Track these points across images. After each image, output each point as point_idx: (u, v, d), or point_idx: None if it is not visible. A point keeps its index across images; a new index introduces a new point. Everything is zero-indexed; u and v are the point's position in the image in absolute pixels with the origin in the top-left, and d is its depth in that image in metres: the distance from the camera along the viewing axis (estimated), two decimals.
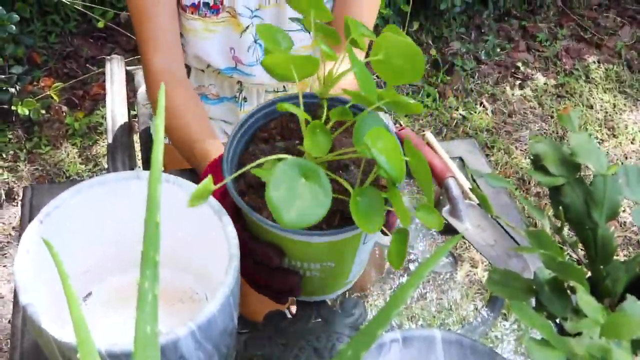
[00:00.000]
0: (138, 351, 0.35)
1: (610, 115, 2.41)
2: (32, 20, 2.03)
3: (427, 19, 2.72)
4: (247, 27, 1.02)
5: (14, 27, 1.69)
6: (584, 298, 0.43)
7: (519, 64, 2.62)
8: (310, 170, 0.51)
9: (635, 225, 1.89)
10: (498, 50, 2.68)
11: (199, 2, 0.98)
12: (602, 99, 2.48)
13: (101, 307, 0.72)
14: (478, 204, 0.93)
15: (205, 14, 1.00)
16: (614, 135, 2.32)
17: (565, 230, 0.56)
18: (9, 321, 1.52)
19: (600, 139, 2.30)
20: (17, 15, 1.69)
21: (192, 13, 0.99)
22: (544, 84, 2.55)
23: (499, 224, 0.88)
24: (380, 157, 0.51)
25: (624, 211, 2.00)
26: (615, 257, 0.56)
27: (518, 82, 2.57)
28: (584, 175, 0.57)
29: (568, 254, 0.59)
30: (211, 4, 0.99)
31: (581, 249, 0.56)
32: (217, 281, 0.57)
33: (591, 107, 2.44)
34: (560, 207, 0.54)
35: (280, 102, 0.61)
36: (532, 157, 0.57)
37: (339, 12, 1.02)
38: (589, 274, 0.57)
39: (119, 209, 0.66)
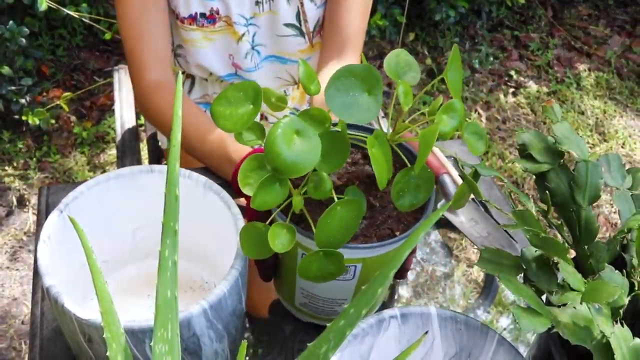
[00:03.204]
0: (159, 313, 0.39)
1: (601, 120, 2.47)
2: (40, 34, 2.08)
3: (423, 30, 2.78)
4: (244, 35, 1.06)
5: (24, 40, 1.74)
6: (566, 269, 0.48)
7: (512, 73, 2.68)
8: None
9: None
10: (491, 59, 2.74)
11: (196, 13, 1.02)
12: (593, 106, 2.53)
13: (115, 297, 0.76)
14: (472, 199, 0.97)
15: (203, 24, 1.04)
16: (605, 140, 2.38)
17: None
18: (22, 322, 1.56)
19: (592, 144, 2.35)
20: (26, 29, 1.74)
21: (189, 24, 1.03)
22: (537, 91, 2.60)
23: (491, 217, 0.93)
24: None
25: (615, 212, 2.05)
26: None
27: (511, 89, 2.63)
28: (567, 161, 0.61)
29: (554, 235, 0.63)
30: (207, 14, 1.03)
31: (566, 232, 0.61)
32: (226, 270, 0.61)
33: (582, 113, 2.50)
34: (547, 192, 0.58)
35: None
36: (518, 147, 0.62)
37: (332, 11, 1.05)
38: (575, 254, 0.61)
39: (134, 201, 0.70)
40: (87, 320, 0.54)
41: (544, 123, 2.44)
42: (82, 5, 1.81)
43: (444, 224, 0.95)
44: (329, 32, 1.06)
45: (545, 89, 2.62)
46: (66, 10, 1.71)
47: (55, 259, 0.63)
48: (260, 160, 0.59)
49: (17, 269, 1.68)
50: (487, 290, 0.88)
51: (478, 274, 1.01)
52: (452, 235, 0.97)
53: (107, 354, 0.44)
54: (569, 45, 2.90)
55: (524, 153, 0.61)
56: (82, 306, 0.68)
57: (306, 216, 0.62)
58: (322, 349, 0.37)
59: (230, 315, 0.59)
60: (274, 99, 0.66)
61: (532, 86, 2.64)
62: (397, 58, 0.64)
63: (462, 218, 0.94)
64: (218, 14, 1.03)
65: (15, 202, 1.85)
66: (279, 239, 0.57)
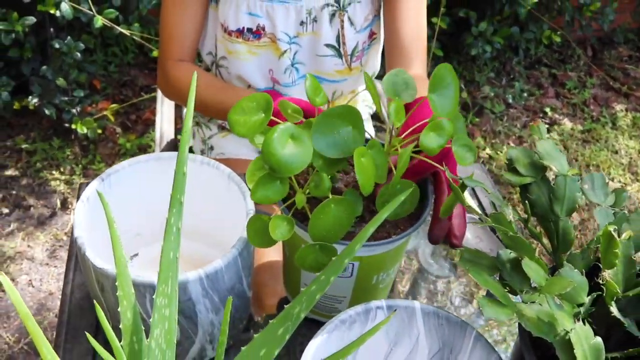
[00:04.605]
0: (162, 271, 0.46)
1: (634, 160, 2.46)
2: (95, 50, 2.24)
3: (460, 64, 2.84)
4: (285, 52, 1.14)
5: (79, 55, 1.88)
6: (529, 265, 0.52)
7: (547, 109, 2.70)
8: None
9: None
10: (527, 95, 2.77)
11: (243, 28, 1.12)
12: (627, 145, 2.53)
13: (142, 268, 0.83)
14: (479, 219, 1.02)
15: (249, 38, 1.13)
16: (637, 180, 2.37)
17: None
18: (56, 315, 1.66)
19: (624, 183, 2.35)
20: (82, 44, 1.88)
21: (236, 37, 1.13)
22: (571, 129, 2.62)
23: (496, 235, 0.97)
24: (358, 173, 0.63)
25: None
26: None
27: (545, 126, 2.65)
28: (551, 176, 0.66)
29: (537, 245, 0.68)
30: (254, 29, 1.12)
31: (546, 241, 0.65)
32: None
33: (616, 153, 2.50)
34: (526, 202, 0.64)
35: None
36: (506, 161, 0.67)
37: (391, 26, 1.12)
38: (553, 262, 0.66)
39: (171, 183, 0.78)
40: (101, 268, 0.62)
41: (576, 160, 2.45)
42: (134, 25, 1.95)
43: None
44: (393, 47, 1.13)
45: (579, 127, 2.63)
46: (119, 29, 1.84)
47: (92, 219, 0.71)
48: None
49: (55, 266, 1.79)
50: None
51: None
52: None
53: (119, 309, 0.51)
54: (606, 85, 2.91)
55: (511, 167, 0.66)
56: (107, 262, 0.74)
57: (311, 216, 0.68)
58: (296, 309, 0.43)
59: (227, 290, 0.66)
60: (290, 110, 0.73)
61: (567, 124, 2.65)
62: (395, 77, 0.70)
63: (467, 235, 0.98)
64: (264, 30, 1.11)
65: (59, 205, 1.97)
66: (279, 229, 0.63)
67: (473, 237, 0.98)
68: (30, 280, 1.76)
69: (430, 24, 2.38)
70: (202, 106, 1.10)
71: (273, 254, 0.94)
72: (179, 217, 0.46)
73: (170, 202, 0.45)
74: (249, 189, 0.65)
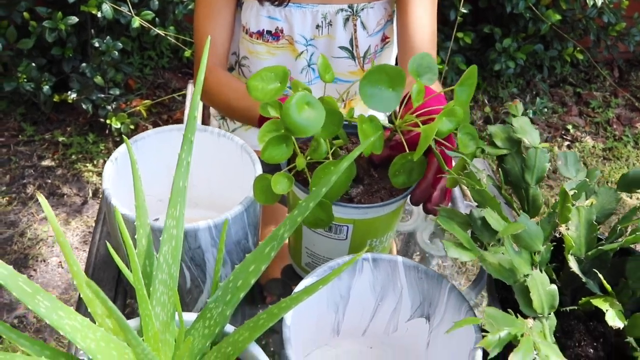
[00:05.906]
0: (173, 196, 0.55)
1: None
2: (132, 53, 2.37)
3: (485, 80, 2.90)
4: (302, 53, 1.23)
5: (116, 54, 2.01)
6: (490, 214, 0.60)
7: (569, 127, 2.74)
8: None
9: None
10: (550, 112, 2.81)
11: (263, 30, 1.22)
12: None
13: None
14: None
15: (268, 39, 1.22)
16: None
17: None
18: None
19: None
20: (120, 44, 2.01)
21: (257, 39, 1.23)
22: (592, 146, 2.65)
23: None
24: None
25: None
26: None
27: (566, 142, 2.69)
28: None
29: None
30: (273, 32, 1.22)
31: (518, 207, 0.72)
32: None
33: None
34: (499, 171, 0.71)
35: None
36: (487, 136, 0.74)
37: (402, 23, 1.17)
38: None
39: (193, 154, 0.86)
40: (124, 214, 0.71)
41: None
42: (170, 28, 2.07)
43: None
44: (405, 52, 1.18)
45: (601, 145, 2.66)
46: (156, 30, 1.97)
47: (119, 178, 0.79)
48: (276, 124, 0.74)
49: (84, 250, 1.90)
50: (478, 280, 0.99)
51: (475, 270, 1.10)
52: None
53: (135, 236, 0.60)
54: (631, 106, 2.93)
55: (491, 141, 0.74)
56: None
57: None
58: (281, 231, 0.51)
59: (234, 244, 0.74)
60: (300, 89, 0.81)
61: (589, 141, 2.69)
62: (421, 60, 0.76)
63: None
64: (282, 32, 1.21)
65: (90, 194, 2.09)
66: (280, 184, 0.71)
67: None
68: (60, 262, 1.87)
69: (447, 36, 2.46)
70: (230, 111, 1.16)
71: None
72: (189, 153, 0.54)
73: (182, 140, 0.54)
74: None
